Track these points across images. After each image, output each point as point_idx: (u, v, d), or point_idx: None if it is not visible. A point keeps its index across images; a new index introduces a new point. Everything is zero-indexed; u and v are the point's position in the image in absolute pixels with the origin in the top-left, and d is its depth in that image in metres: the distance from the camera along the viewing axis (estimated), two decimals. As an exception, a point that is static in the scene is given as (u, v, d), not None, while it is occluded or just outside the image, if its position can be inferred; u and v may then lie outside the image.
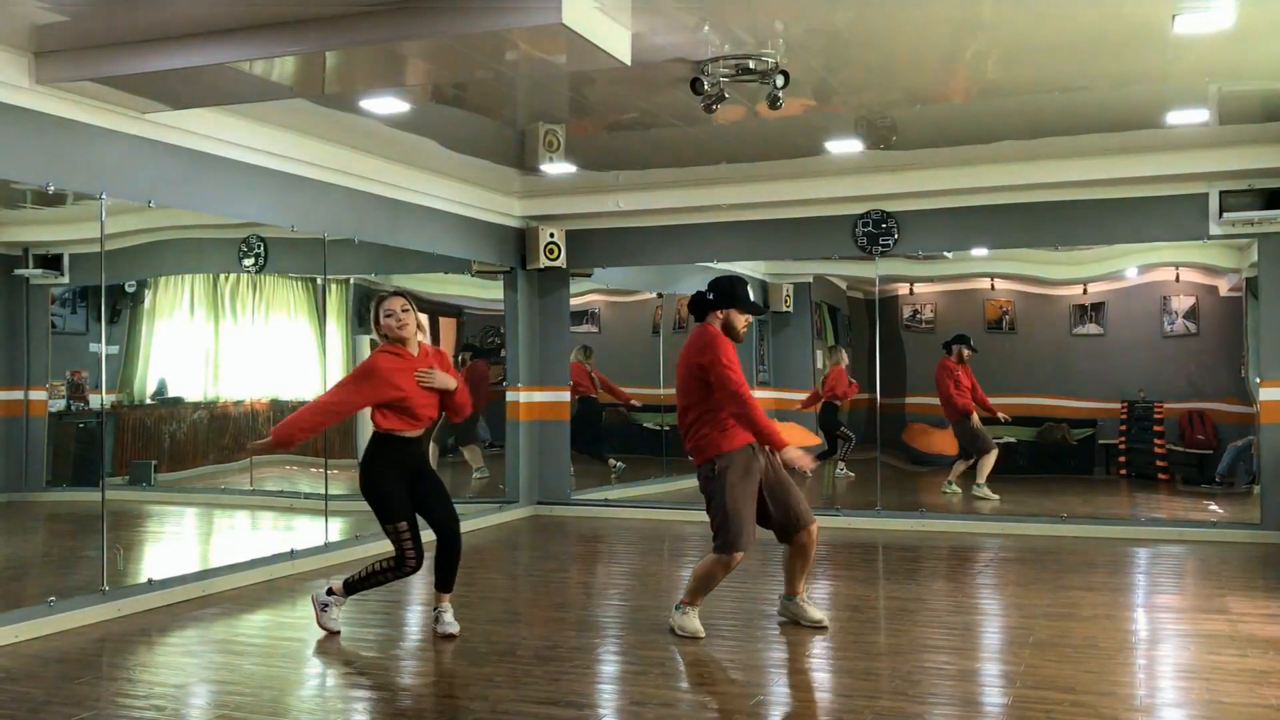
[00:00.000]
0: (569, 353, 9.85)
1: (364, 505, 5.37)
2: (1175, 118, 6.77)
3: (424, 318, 5.35)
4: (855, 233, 8.79)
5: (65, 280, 6.27)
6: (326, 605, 5.37)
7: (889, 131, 7.24)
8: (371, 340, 5.48)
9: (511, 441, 9.54)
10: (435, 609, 5.31)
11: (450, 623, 5.26)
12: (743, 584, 6.23)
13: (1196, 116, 6.74)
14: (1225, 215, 7.74)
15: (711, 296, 5.21)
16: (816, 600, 5.61)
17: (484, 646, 5.04)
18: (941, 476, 9.67)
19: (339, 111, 6.44)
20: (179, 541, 7.66)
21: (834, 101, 6.35)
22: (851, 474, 10.31)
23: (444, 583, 5.28)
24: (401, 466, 5.19)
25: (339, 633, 5.33)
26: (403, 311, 5.15)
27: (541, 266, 9.35)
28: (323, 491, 7.47)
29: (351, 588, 5.33)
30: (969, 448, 9.51)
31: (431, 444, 9.80)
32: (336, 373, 7.81)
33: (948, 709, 4.09)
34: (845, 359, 10.26)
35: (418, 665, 4.91)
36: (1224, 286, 9.30)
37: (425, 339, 5.32)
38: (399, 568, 5.19)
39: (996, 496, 9.18)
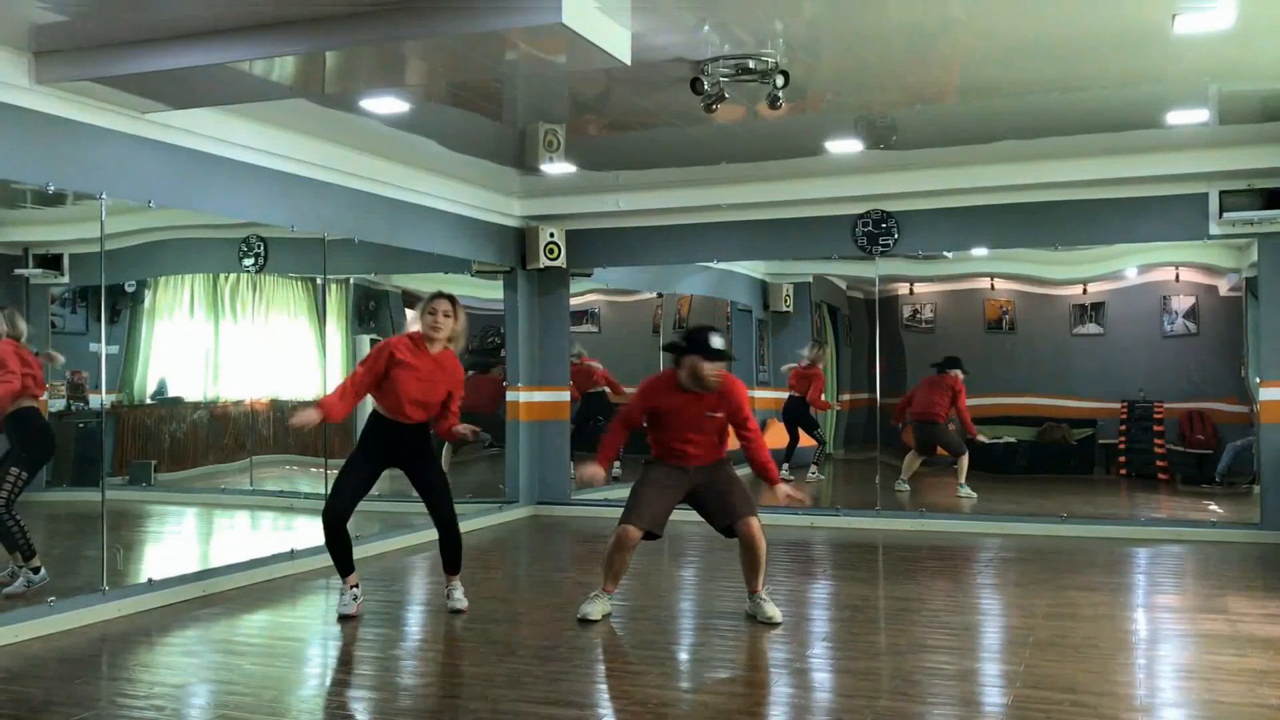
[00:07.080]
0: (569, 353, 9.83)
1: (362, 504, 5.43)
2: (1175, 118, 6.77)
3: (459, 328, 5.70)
4: (855, 233, 8.79)
5: (65, 280, 6.27)
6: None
7: (889, 131, 7.24)
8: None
9: (511, 441, 9.54)
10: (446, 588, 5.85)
11: (459, 599, 5.75)
12: (741, 584, 6.21)
13: (1196, 116, 6.73)
14: (1225, 215, 7.74)
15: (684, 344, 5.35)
16: (815, 599, 5.61)
17: (484, 646, 5.04)
18: (942, 477, 9.67)
19: (339, 111, 6.44)
20: (179, 541, 7.66)
21: (833, 101, 6.35)
22: (822, 476, 10.33)
23: (449, 565, 5.80)
24: (379, 445, 5.60)
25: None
26: (444, 316, 5.55)
27: (541, 266, 9.35)
28: (323, 491, 7.46)
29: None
30: (955, 448, 9.54)
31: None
32: (336, 372, 7.81)
33: (948, 709, 4.09)
34: (822, 361, 10.35)
35: (418, 665, 4.90)
36: (1224, 286, 9.30)
37: (456, 347, 5.70)
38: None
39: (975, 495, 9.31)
